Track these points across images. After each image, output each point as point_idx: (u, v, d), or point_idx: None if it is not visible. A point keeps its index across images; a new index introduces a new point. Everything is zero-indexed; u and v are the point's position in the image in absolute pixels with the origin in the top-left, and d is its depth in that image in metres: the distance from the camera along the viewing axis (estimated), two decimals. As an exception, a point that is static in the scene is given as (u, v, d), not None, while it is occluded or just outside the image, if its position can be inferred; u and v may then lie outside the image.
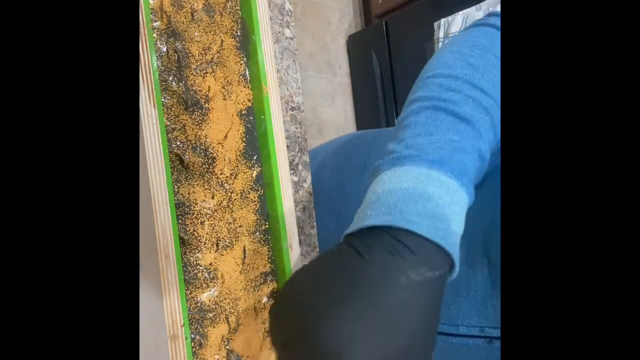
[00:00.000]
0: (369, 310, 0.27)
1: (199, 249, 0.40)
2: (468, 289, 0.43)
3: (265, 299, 0.43)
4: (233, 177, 0.42)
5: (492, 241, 0.42)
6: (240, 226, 0.42)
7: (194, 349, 0.38)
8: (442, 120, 0.36)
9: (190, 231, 0.39)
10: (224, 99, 0.42)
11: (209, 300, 0.40)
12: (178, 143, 0.39)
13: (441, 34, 1.72)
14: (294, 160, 0.52)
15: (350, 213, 0.34)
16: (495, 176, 0.44)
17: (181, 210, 0.39)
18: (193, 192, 0.40)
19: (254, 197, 0.43)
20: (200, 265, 0.39)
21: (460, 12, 1.68)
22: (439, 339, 0.42)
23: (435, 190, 0.32)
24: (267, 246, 0.44)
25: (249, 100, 0.44)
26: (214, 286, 0.40)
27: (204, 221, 0.40)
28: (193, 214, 0.39)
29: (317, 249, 0.53)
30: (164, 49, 0.39)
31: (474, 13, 1.64)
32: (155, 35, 0.39)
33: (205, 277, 0.40)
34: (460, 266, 0.43)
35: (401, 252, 0.29)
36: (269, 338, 0.40)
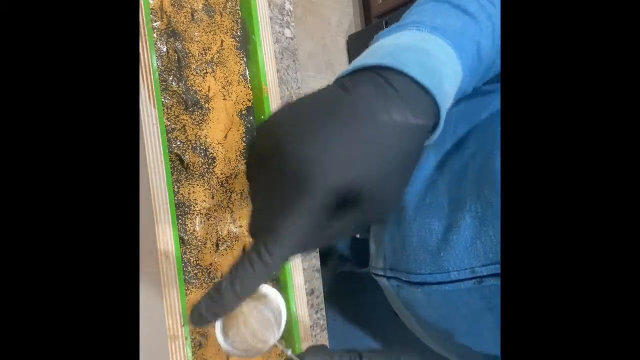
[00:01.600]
0: (344, 140, 0.27)
1: (199, 249, 0.40)
2: (458, 232, 0.43)
3: (265, 299, 0.43)
4: (233, 177, 0.42)
5: (484, 178, 0.42)
6: (240, 226, 0.42)
7: (193, 349, 0.38)
8: (447, 9, 0.36)
9: (190, 231, 0.39)
10: (224, 99, 0.42)
11: (209, 300, 0.40)
12: (178, 143, 0.39)
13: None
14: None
15: None
16: (489, 120, 0.44)
17: (181, 210, 0.39)
18: (193, 192, 0.40)
19: (254, 197, 0.43)
20: (200, 265, 0.39)
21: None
22: (432, 289, 0.43)
23: (434, 48, 0.32)
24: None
25: (249, 100, 0.44)
26: (214, 286, 0.40)
27: (204, 221, 0.40)
28: (193, 214, 0.39)
29: (317, 249, 0.53)
30: (164, 49, 0.39)
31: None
32: (155, 35, 0.39)
33: (205, 277, 0.40)
34: (449, 214, 0.44)
35: (387, 91, 0.29)
36: (244, 164, 0.39)
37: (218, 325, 0.32)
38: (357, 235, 0.56)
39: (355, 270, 0.58)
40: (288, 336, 0.44)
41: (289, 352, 0.33)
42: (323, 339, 0.52)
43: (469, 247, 0.42)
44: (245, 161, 0.37)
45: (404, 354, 0.30)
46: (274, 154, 0.28)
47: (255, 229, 0.30)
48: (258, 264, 0.28)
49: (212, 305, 0.29)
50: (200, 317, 0.29)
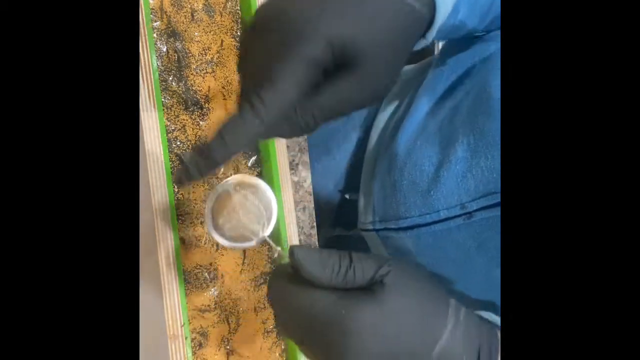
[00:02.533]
0: (343, 2, 0.28)
1: (199, 248, 0.40)
2: (449, 168, 0.43)
3: (265, 299, 0.43)
4: (233, 177, 0.42)
5: (479, 108, 0.42)
6: (240, 226, 0.42)
7: (193, 349, 0.38)
8: None
9: (190, 231, 0.39)
10: (224, 99, 0.42)
11: (209, 300, 0.40)
12: (178, 143, 0.39)
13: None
14: (294, 160, 0.52)
15: None
16: (483, 62, 0.45)
17: (181, 210, 0.39)
18: (193, 192, 0.40)
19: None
20: (201, 265, 0.39)
21: (460, 12, 1.67)
22: (421, 232, 0.43)
23: None
24: (267, 246, 0.44)
25: (249, 100, 0.44)
26: (214, 286, 0.40)
27: (204, 221, 0.40)
28: (193, 214, 0.39)
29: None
30: (164, 49, 0.39)
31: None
32: (155, 35, 0.39)
33: (205, 277, 0.40)
34: (440, 151, 0.44)
35: None
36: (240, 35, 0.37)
37: (208, 208, 0.32)
38: (347, 196, 0.56)
39: (344, 234, 0.58)
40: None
41: (279, 250, 0.33)
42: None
43: (460, 182, 0.42)
44: (242, 32, 0.36)
45: (393, 260, 0.31)
46: (277, 16, 0.28)
47: (246, 89, 0.30)
48: (249, 113, 0.27)
49: (199, 160, 0.27)
50: (186, 174, 0.27)
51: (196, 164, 0.27)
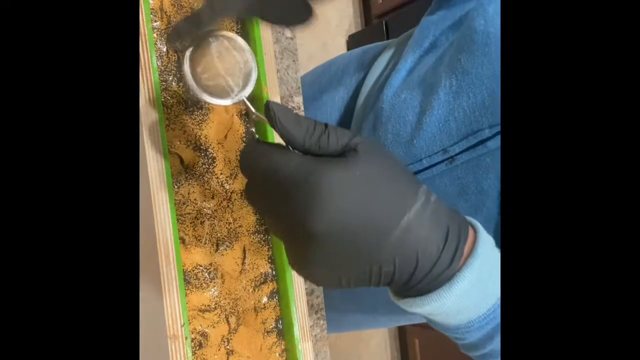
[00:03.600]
0: None
1: (199, 248, 0.40)
2: (431, 114, 0.43)
3: (265, 299, 0.43)
4: (233, 177, 0.42)
5: (462, 47, 0.42)
6: (240, 226, 0.42)
7: (193, 349, 0.38)
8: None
9: (190, 231, 0.39)
10: (224, 99, 0.42)
11: (209, 300, 0.40)
12: (178, 143, 0.39)
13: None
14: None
15: None
16: (468, 12, 0.45)
17: (181, 210, 0.39)
18: (193, 192, 0.40)
19: (254, 197, 0.43)
20: (200, 265, 0.39)
21: (460, 12, 1.67)
22: None
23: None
24: (267, 246, 0.44)
25: (249, 100, 0.44)
26: (214, 286, 0.40)
27: (204, 221, 0.40)
28: (193, 214, 0.39)
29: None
30: (164, 49, 0.39)
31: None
32: (155, 35, 0.39)
33: (205, 277, 0.40)
34: (423, 100, 0.45)
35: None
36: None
37: (186, 56, 0.32)
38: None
39: None
40: (287, 336, 0.44)
41: (257, 114, 0.33)
42: (323, 338, 0.52)
43: (442, 126, 0.42)
44: None
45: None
46: None
47: None
48: None
49: (190, 22, 0.30)
50: (177, 34, 0.31)
51: (187, 26, 0.30)
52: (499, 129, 0.40)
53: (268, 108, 0.29)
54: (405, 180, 0.29)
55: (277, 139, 0.44)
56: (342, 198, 0.27)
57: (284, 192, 0.28)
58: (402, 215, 0.28)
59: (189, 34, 0.30)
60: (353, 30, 2.23)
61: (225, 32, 0.33)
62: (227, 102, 0.33)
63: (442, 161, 0.43)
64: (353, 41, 2.18)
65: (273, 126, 0.29)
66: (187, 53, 0.32)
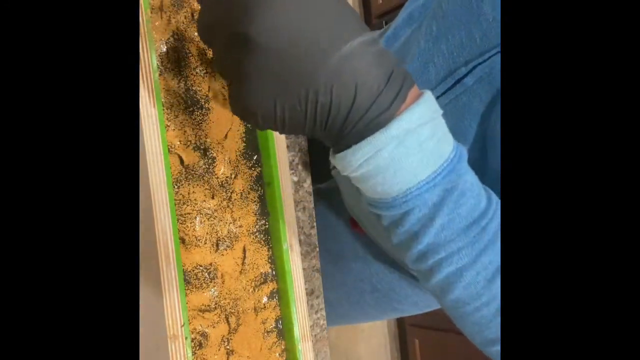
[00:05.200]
0: None
1: (199, 248, 0.40)
2: (411, 61, 0.43)
3: (265, 299, 0.43)
4: (233, 177, 0.42)
5: None
6: (240, 226, 0.42)
7: (193, 349, 0.38)
8: None
9: (190, 231, 0.39)
10: (224, 99, 0.42)
11: (209, 300, 0.40)
12: (178, 143, 0.39)
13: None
14: (294, 160, 0.52)
15: None
16: None
17: (181, 210, 0.39)
18: (193, 192, 0.40)
19: (254, 197, 0.43)
20: (201, 265, 0.39)
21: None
22: None
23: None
24: (267, 246, 0.44)
25: (249, 100, 0.44)
26: (214, 286, 0.40)
27: (204, 221, 0.40)
28: (193, 214, 0.39)
29: (317, 249, 0.53)
30: (164, 49, 0.39)
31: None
32: (155, 35, 0.39)
33: (205, 277, 0.40)
34: (402, 51, 0.45)
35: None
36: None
37: None
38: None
39: (320, 186, 0.59)
40: (287, 336, 0.44)
41: None
42: (323, 338, 0.52)
43: (422, 74, 0.43)
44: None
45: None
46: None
47: None
48: None
49: None
50: None
51: None
52: (475, 64, 0.40)
53: None
54: (356, 18, 0.29)
55: (277, 140, 0.44)
56: (284, 7, 0.26)
57: (229, 3, 0.28)
58: (345, 42, 0.27)
59: None
60: (353, 30, 2.22)
61: None
62: None
63: None
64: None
65: None
66: None
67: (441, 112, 0.31)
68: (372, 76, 0.28)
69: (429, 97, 0.30)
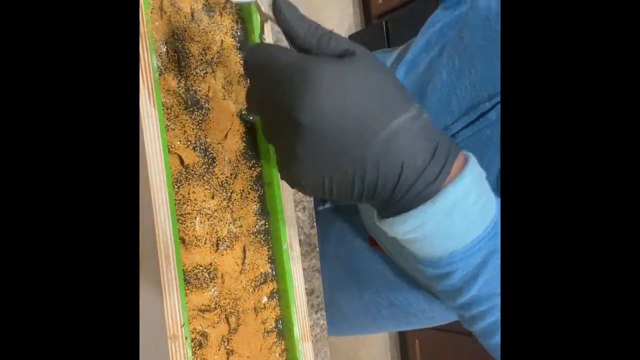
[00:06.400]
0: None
1: (199, 248, 0.40)
2: (433, 93, 0.44)
3: (265, 299, 0.43)
4: (233, 177, 0.42)
5: (464, 27, 0.43)
6: (240, 226, 0.42)
7: (193, 349, 0.38)
8: None
9: (190, 231, 0.39)
10: (224, 99, 0.42)
11: (209, 300, 0.40)
12: (178, 143, 0.39)
13: None
14: (294, 160, 0.52)
15: None
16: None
17: (181, 210, 0.39)
18: (193, 192, 0.40)
19: (254, 197, 0.43)
20: (201, 265, 0.39)
21: (460, 12, 1.67)
22: None
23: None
24: (267, 246, 0.44)
25: (249, 100, 0.44)
26: (214, 286, 0.40)
27: (204, 221, 0.40)
28: (193, 214, 0.39)
29: (317, 249, 0.53)
30: (164, 49, 0.39)
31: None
32: (155, 35, 0.39)
33: (205, 277, 0.40)
34: (424, 79, 0.45)
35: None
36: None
37: None
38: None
39: (337, 204, 0.59)
40: (287, 336, 0.44)
41: (263, 10, 0.34)
42: (323, 338, 0.52)
43: (444, 106, 0.43)
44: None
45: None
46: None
47: None
48: None
49: None
50: None
51: None
52: (499, 99, 0.40)
53: (275, 2, 0.29)
54: (400, 91, 0.29)
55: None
56: (333, 92, 0.27)
57: (278, 84, 0.28)
58: (391, 121, 0.28)
59: None
60: (353, 30, 2.23)
61: None
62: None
63: None
64: (353, 41, 2.18)
65: (278, 20, 0.29)
66: None
67: (485, 175, 0.32)
68: (418, 151, 0.28)
69: (473, 164, 0.31)
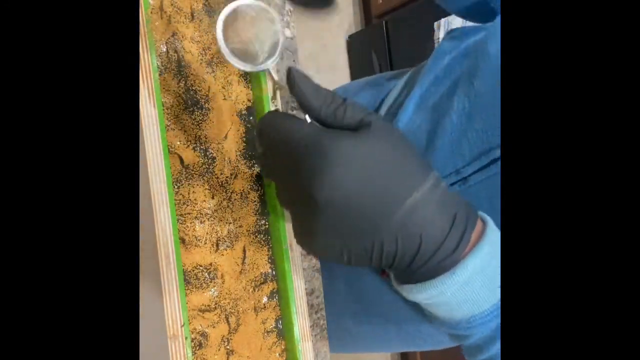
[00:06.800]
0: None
1: (199, 248, 0.40)
2: (443, 135, 0.43)
3: (265, 299, 0.43)
4: (233, 177, 0.42)
5: (474, 72, 0.42)
6: (240, 226, 0.42)
7: (193, 349, 0.38)
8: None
9: (190, 231, 0.39)
10: (224, 99, 0.42)
11: (209, 300, 0.40)
12: (178, 143, 0.39)
13: (441, 34, 1.72)
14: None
15: None
16: (485, 37, 0.45)
17: (181, 210, 0.39)
18: (193, 192, 0.40)
19: (254, 197, 0.43)
20: (201, 265, 0.39)
21: (460, 12, 1.67)
22: None
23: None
24: (267, 246, 0.44)
25: (249, 100, 0.44)
26: (214, 286, 0.40)
27: (204, 221, 0.40)
28: (193, 214, 0.39)
29: None
30: (164, 49, 0.39)
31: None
32: (155, 35, 0.39)
33: (205, 277, 0.40)
34: (435, 120, 0.45)
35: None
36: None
37: (221, 19, 0.33)
38: None
39: None
40: (287, 336, 0.44)
41: (277, 80, 0.34)
42: (323, 338, 0.52)
43: (455, 148, 0.43)
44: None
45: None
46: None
47: None
48: None
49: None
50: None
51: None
52: None
53: (289, 73, 0.29)
54: (416, 161, 0.29)
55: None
56: (349, 168, 0.27)
57: (294, 158, 0.28)
58: (408, 194, 0.28)
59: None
60: (353, 30, 2.23)
61: (260, 3, 0.34)
62: (252, 67, 0.34)
63: (456, 182, 0.43)
64: (353, 41, 2.18)
65: (292, 92, 0.29)
66: (222, 16, 0.33)
67: None
68: (436, 223, 0.28)
69: (491, 230, 0.31)
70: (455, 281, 0.29)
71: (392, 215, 0.28)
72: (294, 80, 0.29)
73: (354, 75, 2.19)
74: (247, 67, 0.34)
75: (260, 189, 0.44)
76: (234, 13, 0.33)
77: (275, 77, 0.34)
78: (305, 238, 0.30)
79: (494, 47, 0.42)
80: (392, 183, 0.28)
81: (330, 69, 2.13)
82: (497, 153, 0.41)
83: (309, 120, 0.30)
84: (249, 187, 0.43)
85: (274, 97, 0.39)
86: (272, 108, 0.37)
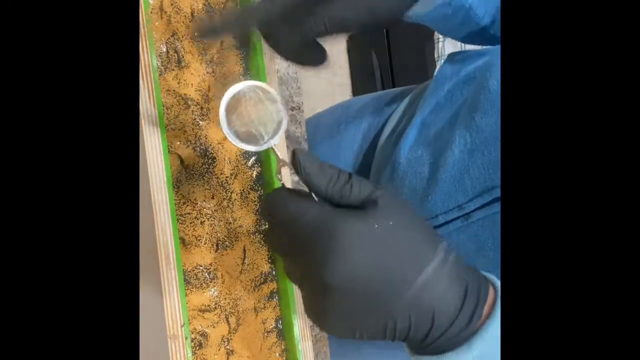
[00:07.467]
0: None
1: (199, 249, 0.40)
2: (445, 170, 0.43)
3: (265, 299, 0.43)
4: (233, 177, 0.42)
5: (476, 106, 0.42)
6: (240, 226, 0.42)
7: (193, 349, 0.38)
8: None
9: (190, 231, 0.39)
10: (224, 99, 0.42)
11: (209, 300, 0.40)
12: (178, 143, 0.39)
13: (441, 34, 1.72)
14: (294, 160, 0.52)
15: None
16: (485, 67, 0.45)
17: (181, 210, 0.39)
18: (193, 192, 0.40)
19: (254, 197, 0.43)
20: (201, 265, 0.39)
21: (460, 12, 1.67)
22: None
23: None
24: (267, 246, 0.44)
25: (249, 100, 0.44)
26: (214, 286, 0.40)
27: (204, 221, 0.40)
28: (193, 214, 0.39)
29: None
30: (164, 49, 0.39)
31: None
32: (155, 35, 0.39)
33: (205, 277, 0.40)
34: (437, 153, 0.45)
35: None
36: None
37: (223, 105, 0.33)
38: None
39: None
40: (287, 336, 0.44)
41: (282, 159, 0.34)
42: (323, 339, 0.52)
43: (457, 183, 0.43)
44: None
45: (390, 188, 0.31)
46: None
47: None
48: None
49: (227, 19, 0.33)
50: (211, 30, 0.34)
51: (224, 24, 0.33)
52: None
53: (294, 155, 0.29)
54: (424, 236, 0.29)
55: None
56: (359, 251, 0.27)
57: (302, 240, 0.28)
58: (419, 273, 0.28)
59: (224, 29, 0.33)
60: (353, 30, 2.22)
61: (261, 84, 0.35)
62: (257, 147, 0.34)
63: (458, 217, 0.42)
64: (353, 41, 2.18)
65: (298, 173, 0.29)
66: (224, 101, 0.33)
67: None
68: (449, 298, 0.28)
69: None
70: (471, 352, 0.29)
71: (404, 294, 0.28)
72: (298, 162, 0.29)
73: (354, 75, 2.19)
74: (251, 148, 0.34)
75: (260, 189, 0.44)
76: (235, 97, 0.34)
77: (279, 156, 0.34)
78: (316, 318, 0.30)
79: (495, 83, 0.42)
80: (402, 263, 0.28)
81: (330, 69, 2.13)
82: (499, 192, 0.40)
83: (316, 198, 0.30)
84: (249, 187, 0.43)
85: (279, 172, 0.40)
86: (279, 183, 0.38)
